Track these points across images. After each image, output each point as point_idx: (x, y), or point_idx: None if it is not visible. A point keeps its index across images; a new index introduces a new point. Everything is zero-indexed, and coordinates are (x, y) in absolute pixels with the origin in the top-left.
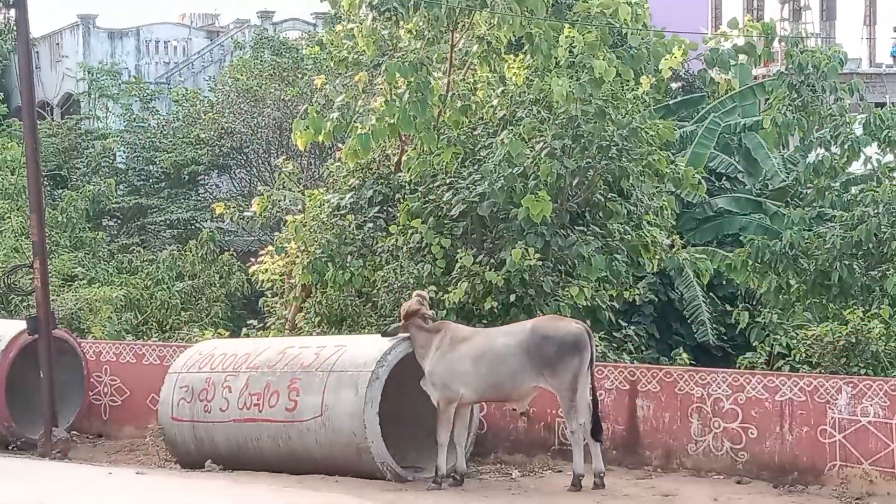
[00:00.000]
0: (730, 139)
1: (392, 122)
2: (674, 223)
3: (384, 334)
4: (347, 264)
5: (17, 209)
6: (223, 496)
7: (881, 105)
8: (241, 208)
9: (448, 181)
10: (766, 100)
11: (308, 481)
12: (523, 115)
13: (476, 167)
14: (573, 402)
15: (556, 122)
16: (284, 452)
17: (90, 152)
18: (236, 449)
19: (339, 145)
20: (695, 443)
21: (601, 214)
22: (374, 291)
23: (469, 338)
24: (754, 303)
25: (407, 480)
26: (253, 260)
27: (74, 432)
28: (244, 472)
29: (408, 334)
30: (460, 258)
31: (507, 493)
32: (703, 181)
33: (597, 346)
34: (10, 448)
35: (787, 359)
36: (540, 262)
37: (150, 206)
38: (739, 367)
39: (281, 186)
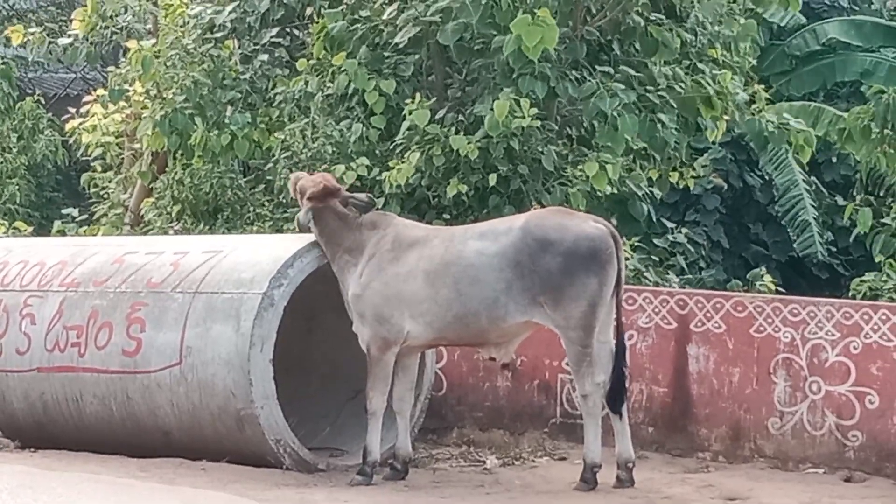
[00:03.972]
0: None
1: None
2: (755, 63)
3: (301, 227)
4: (226, 121)
5: None
6: None
7: None
8: (54, 30)
9: None
10: None
11: (156, 469)
12: None
13: None
14: (587, 348)
15: None
16: (120, 421)
17: None
18: (42, 414)
19: None
20: (780, 417)
21: (637, 48)
22: (270, 166)
23: (422, 241)
24: (881, 194)
25: (317, 470)
26: (73, 111)
27: None
28: (54, 451)
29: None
30: (410, 113)
31: (479, 491)
32: None
33: (627, 259)
34: None
35: None
36: (538, 122)
37: None
38: (855, 297)
39: None
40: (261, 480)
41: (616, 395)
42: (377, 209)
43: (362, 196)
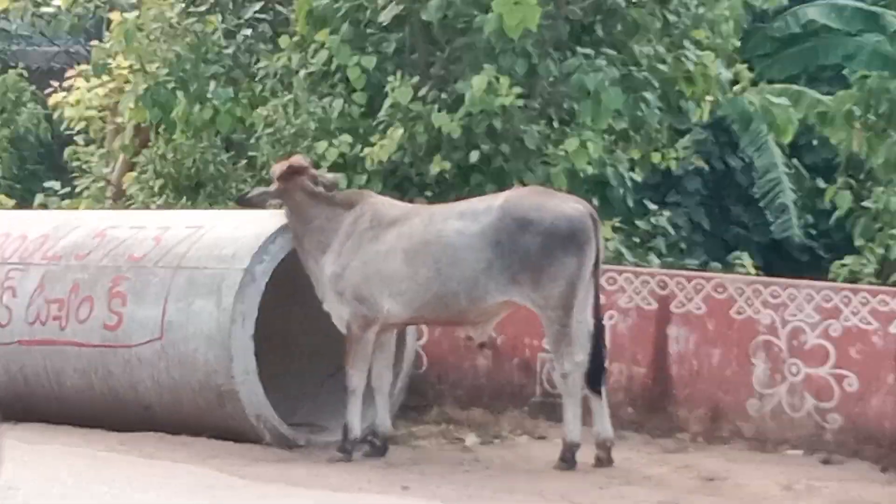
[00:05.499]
0: None
1: None
2: (738, 45)
3: (241, 201)
4: (209, 95)
5: None
6: None
7: None
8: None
9: None
10: None
11: (136, 443)
12: None
13: None
14: (566, 328)
15: None
16: (101, 395)
17: None
18: (23, 387)
19: None
20: (759, 398)
21: (621, 27)
22: (252, 141)
23: (401, 219)
24: (861, 177)
25: (297, 446)
26: (56, 85)
27: None
28: (36, 424)
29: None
30: (393, 90)
31: (458, 469)
32: None
33: (607, 239)
34: None
35: None
36: (520, 101)
37: None
38: (835, 280)
39: None
40: (241, 455)
41: (595, 375)
42: (359, 187)
43: (329, 176)
